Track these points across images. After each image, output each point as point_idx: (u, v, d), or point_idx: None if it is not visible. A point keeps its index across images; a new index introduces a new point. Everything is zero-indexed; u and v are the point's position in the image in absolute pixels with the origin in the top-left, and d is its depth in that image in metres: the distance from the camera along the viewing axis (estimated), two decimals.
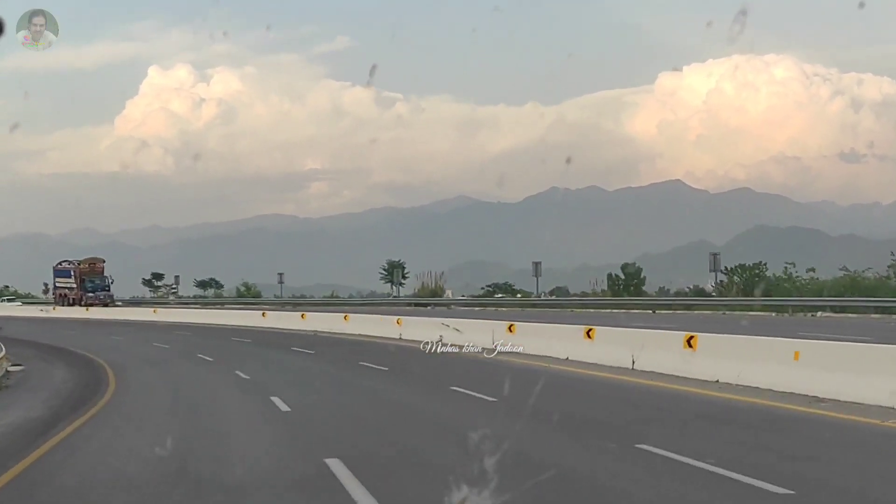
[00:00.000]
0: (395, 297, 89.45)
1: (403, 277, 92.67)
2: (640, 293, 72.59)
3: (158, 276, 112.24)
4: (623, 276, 74.51)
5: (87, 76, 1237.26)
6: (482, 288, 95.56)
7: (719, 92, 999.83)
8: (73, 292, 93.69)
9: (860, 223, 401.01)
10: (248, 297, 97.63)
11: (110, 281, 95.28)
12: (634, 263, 77.77)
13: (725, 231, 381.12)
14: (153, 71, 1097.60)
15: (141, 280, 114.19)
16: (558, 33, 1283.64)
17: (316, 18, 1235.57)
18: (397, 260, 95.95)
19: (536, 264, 76.84)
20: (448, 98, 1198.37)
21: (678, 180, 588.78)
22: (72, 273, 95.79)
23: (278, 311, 65.20)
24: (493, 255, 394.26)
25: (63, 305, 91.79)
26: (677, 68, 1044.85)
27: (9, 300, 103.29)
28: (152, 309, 79.02)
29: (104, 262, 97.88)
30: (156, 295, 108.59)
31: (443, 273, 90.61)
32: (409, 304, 79.36)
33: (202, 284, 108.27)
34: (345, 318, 50.57)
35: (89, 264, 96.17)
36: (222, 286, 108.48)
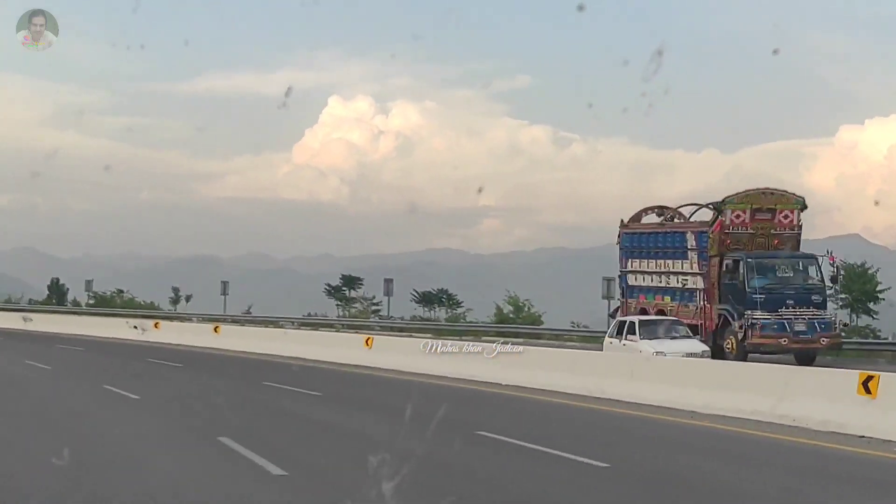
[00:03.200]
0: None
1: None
2: None
3: (353, 281, 67.47)
4: None
5: (270, 103, 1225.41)
6: None
7: None
8: (696, 308, 32.90)
9: None
10: (520, 323, 51.50)
11: (837, 273, 33.30)
12: None
13: None
14: (334, 101, 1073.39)
15: (323, 287, 69.54)
16: (740, 81, 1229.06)
17: (498, 55, 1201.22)
18: None
19: None
20: (625, 140, 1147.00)
21: (856, 234, 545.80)
22: (686, 241, 33.93)
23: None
24: None
25: (648, 337, 27.71)
26: (859, 122, 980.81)
27: None
28: (365, 339, 32.98)
29: (802, 205, 33.53)
30: (347, 313, 63.87)
31: None
32: None
33: (426, 299, 62.82)
34: None
35: (755, 213, 32.76)
36: (459, 303, 62.89)
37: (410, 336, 45.82)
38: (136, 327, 46.58)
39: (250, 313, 67.99)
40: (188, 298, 76.24)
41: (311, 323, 60.65)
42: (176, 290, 76.55)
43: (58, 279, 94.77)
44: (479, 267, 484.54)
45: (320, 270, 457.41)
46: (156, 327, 45.87)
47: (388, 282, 57.03)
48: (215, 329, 41.87)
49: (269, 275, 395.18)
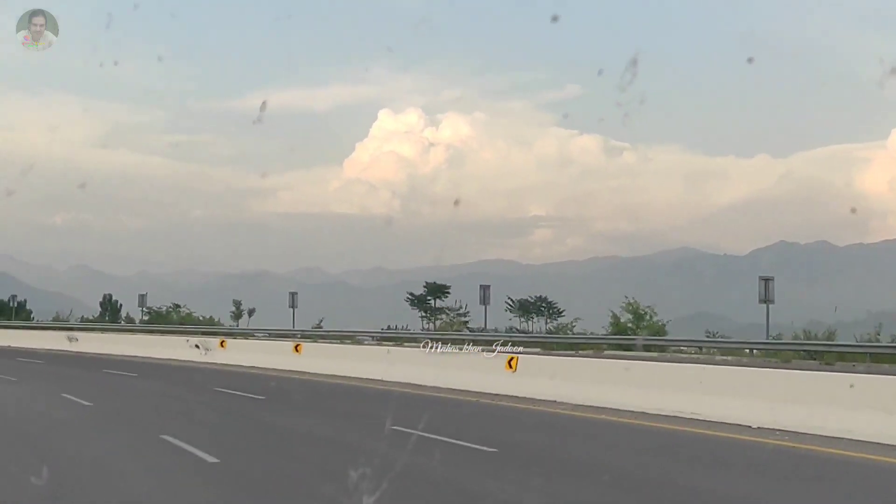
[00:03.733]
0: None
1: None
2: None
3: (439, 290, 59.53)
4: None
5: (320, 118, 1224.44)
6: None
7: None
8: None
9: None
10: (644, 334, 43.04)
11: None
12: None
13: None
14: (384, 114, 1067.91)
15: (405, 296, 61.81)
16: (790, 87, 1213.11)
17: (546, 66, 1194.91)
18: None
19: None
20: (677, 148, 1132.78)
21: None
22: None
23: None
24: (718, 308, 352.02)
25: None
26: None
27: None
28: (508, 360, 24.67)
29: None
30: (433, 325, 56.02)
31: None
32: None
33: (522, 308, 54.78)
34: None
35: None
36: (561, 312, 54.77)
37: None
38: (197, 346, 38.88)
39: (321, 327, 60.13)
40: (251, 313, 68.64)
41: (391, 337, 52.63)
42: (237, 303, 69.01)
43: (110, 295, 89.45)
44: (531, 276, 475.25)
45: (374, 283, 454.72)
46: (221, 346, 37.87)
47: (485, 289, 48.72)
48: (296, 348, 33.73)
49: (323, 289, 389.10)
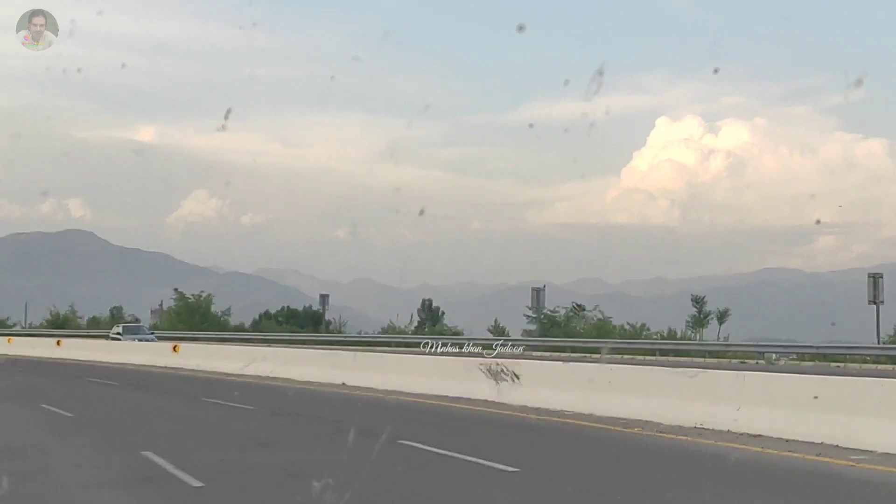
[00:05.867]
0: None
1: None
2: None
3: None
4: None
5: (597, 127, 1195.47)
6: None
7: None
8: None
9: None
10: None
11: None
12: None
13: None
14: (661, 122, 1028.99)
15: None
16: None
17: (828, 69, 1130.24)
18: None
19: None
20: None
21: None
22: None
23: None
24: None
25: None
26: None
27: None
28: None
29: None
30: None
31: None
32: None
33: None
34: None
35: None
36: None
37: None
38: None
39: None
40: (722, 318, 41.24)
41: None
42: (698, 300, 41.86)
43: (430, 301, 78.68)
44: (818, 285, 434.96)
45: (654, 293, 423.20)
46: None
47: None
48: None
49: (602, 299, 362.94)
